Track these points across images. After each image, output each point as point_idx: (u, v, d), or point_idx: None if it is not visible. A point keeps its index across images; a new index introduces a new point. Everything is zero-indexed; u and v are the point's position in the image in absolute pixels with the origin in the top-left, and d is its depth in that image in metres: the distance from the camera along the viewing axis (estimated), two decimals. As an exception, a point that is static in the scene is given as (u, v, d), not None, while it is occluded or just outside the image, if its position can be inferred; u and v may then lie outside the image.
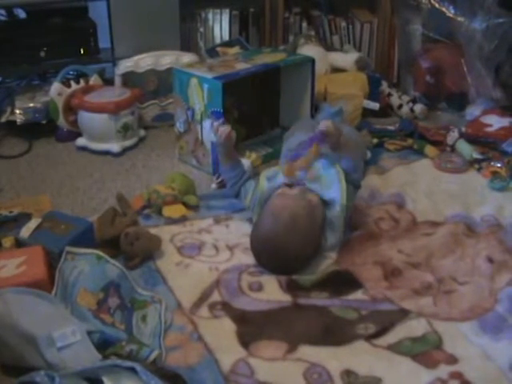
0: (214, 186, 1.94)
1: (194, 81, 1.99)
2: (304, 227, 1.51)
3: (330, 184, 1.61)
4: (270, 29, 2.81)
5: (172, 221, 1.74)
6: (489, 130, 2.21)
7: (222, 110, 1.93)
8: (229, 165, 1.79)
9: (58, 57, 2.43)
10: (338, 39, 2.87)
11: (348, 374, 1.22)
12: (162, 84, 2.38)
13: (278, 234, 1.49)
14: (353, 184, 1.67)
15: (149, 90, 2.39)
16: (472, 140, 2.16)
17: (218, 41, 2.81)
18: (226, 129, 1.75)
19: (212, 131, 1.88)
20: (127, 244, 1.54)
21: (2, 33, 2.42)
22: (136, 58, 2.35)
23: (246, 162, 1.96)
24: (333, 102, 2.25)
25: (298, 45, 2.64)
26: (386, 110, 2.51)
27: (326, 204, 1.60)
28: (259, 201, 1.65)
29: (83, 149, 2.23)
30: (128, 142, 2.24)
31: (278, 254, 1.50)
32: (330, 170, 1.64)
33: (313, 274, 1.51)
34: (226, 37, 2.81)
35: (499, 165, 2.02)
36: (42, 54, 2.41)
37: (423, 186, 1.95)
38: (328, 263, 1.57)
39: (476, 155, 2.08)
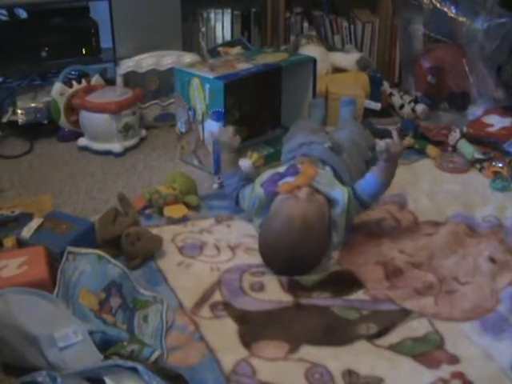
0: (215, 186, 1.94)
1: (195, 81, 1.99)
2: (316, 231, 1.50)
3: (334, 185, 1.61)
4: (271, 29, 2.82)
5: (173, 221, 1.74)
6: (490, 130, 2.21)
7: (223, 110, 1.93)
8: (233, 170, 1.78)
9: (59, 57, 2.43)
10: (340, 39, 2.87)
11: (349, 374, 1.22)
12: (164, 84, 2.38)
13: (292, 241, 1.47)
14: (361, 204, 1.61)
15: (150, 89, 2.39)
16: (474, 140, 2.16)
17: (219, 41, 2.81)
18: (230, 129, 1.84)
19: (216, 136, 1.92)
20: (128, 244, 1.54)
21: (3, 33, 2.42)
22: (137, 57, 2.36)
23: (247, 162, 1.96)
24: (334, 102, 2.26)
25: (299, 45, 2.64)
26: (388, 110, 2.51)
27: (330, 202, 1.58)
28: (259, 205, 1.63)
29: (85, 149, 2.23)
30: (129, 142, 2.24)
31: (292, 261, 1.49)
32: (336, 187, 1.61)
33: (314, 274, 1.51)
34: (228, 37, 2.82)
35: (501, 165, 2.02)
36: (44, 54, 2.40)
37: (425, 186, 1.95)
38: (330, 263, 1.57)
39: (478, 155, 2.07)
